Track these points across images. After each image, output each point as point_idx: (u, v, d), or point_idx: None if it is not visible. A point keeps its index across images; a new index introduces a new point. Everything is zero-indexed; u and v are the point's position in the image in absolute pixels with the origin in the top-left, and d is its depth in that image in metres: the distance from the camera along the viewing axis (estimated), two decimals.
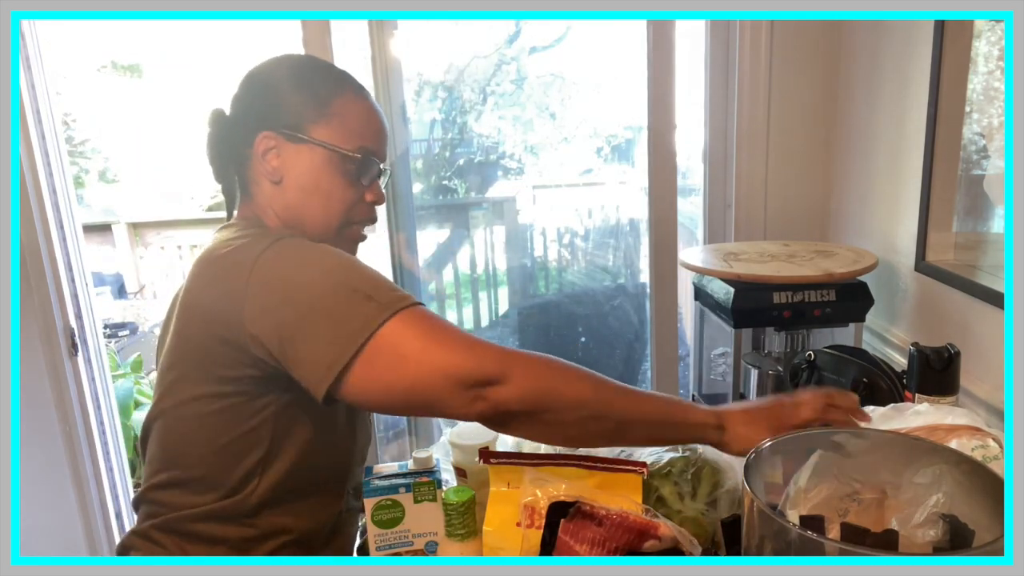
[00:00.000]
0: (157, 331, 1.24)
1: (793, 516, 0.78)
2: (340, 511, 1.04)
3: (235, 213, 1.03)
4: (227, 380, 0.88)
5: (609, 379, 0.87)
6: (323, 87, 0.96)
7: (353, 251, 1.04)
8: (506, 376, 0.81)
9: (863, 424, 0.92)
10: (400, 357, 0.81)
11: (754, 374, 1.52)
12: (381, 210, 1.08)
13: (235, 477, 0.92)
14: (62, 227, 1.83)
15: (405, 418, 2.19)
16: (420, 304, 0.85)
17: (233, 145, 0.99)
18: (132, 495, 2.05)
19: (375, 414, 1.62)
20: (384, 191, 1.02)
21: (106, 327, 4.67)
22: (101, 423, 1.93)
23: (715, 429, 0.89)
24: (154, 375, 1.02)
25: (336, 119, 0.95)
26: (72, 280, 1.86)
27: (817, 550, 0.64)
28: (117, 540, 1.97)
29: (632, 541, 0.86)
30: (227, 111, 1.00)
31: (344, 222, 0.99)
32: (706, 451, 1.00)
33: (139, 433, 1.01)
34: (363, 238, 1.05)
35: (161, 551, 0.94)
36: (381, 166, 1.01)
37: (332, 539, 1.04)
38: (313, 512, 0.99)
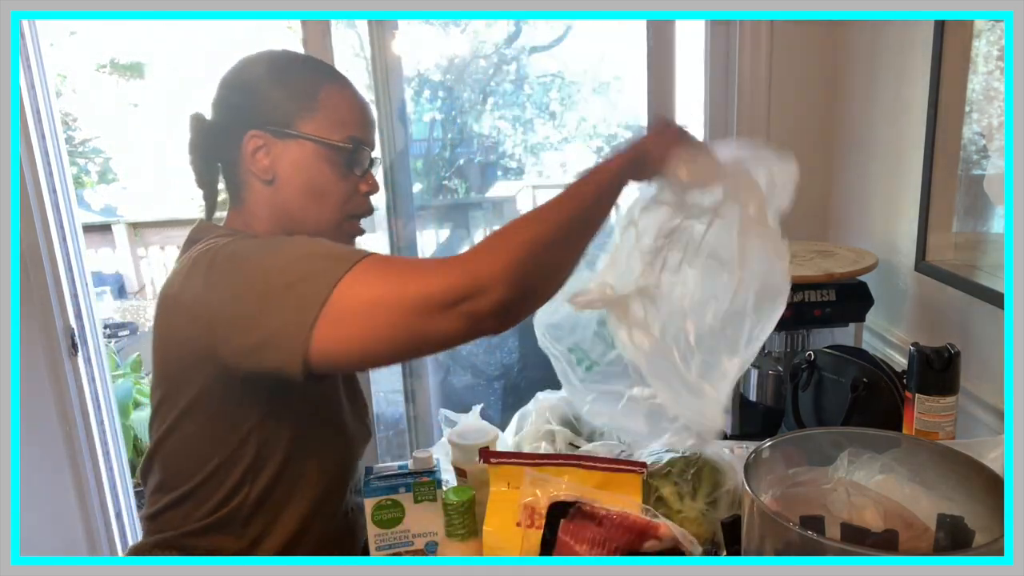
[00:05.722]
0: None
1: None
2: (341, 511, 1.04)
3: (215, 218, 1.02)
4: (204, 394, 0.88)
5: (545, 204, 0.85)
6: (306, 79, 0.95)
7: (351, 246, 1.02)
8: (479, 286, 0.76)
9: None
10: (368, 303, 0.78)
11: (754, 374, 1.52)
12: (381, 210, 1.08)
13: (225, 488, 0.92)
14: (62, 227, 1.83)
15: (405, 418, 2.19)
16: (375, 254, 0.83)
17: (218, 149, 0.98)
18: (132, 494, 2.06)
19: (375, 413, 1.61)
20: (377, 182, 1.02)
21: (106, 327, 4.67)
22: (101, 423, 1.93)
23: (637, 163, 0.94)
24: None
25: (323, 111, 0.94)
26: (72, 280, 1.86)
27: (817, 550, 0.64)
28: (117, 540, 1.97)
29: (632, 541, 0.86)
30: (207, 115, 0.98)
31: (342, 217, 0.98)
32: (706, 451, 1.00)
33: (142, 455, 1.00)
34: (361, 232, 1.03)
35: None
36: (372, 155, 1.00)
37: (338, 540, 1.03)
38: (309, 514, 0.98)
